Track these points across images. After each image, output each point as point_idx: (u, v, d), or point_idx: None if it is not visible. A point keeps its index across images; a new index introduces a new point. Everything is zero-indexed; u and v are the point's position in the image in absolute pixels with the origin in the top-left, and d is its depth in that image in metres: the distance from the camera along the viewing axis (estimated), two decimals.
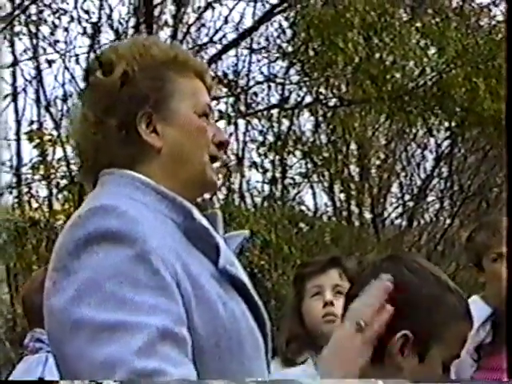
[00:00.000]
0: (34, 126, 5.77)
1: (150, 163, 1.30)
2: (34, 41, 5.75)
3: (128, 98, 1.29)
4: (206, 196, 1.40)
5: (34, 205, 5.75)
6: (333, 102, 6.72)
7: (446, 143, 7.44)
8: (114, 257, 1.15)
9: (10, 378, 2.50)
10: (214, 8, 6.18)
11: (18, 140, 5.78)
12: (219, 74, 6.29)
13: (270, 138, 6.76)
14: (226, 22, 6.12)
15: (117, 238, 1.16)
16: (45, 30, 5.72)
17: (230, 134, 6.57)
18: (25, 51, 5.76)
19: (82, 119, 1.32)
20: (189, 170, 1.31)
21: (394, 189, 7.66)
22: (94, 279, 1.14)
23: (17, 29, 5.68)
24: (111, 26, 5.84)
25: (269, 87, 6.58)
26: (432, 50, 6.28)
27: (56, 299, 1.17)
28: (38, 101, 5.85)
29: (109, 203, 1.20)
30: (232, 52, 6.35)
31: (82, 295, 1.14)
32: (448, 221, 7.42)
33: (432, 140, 7.45)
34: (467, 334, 1.38)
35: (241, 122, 6.73)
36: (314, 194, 7.15)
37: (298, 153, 6.96)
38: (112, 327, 1.11)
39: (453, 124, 6.92)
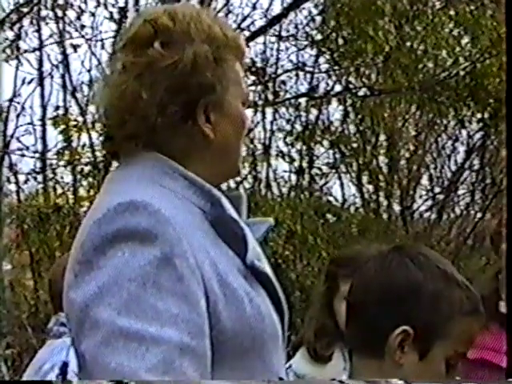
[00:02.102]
0: (60, 112, 5.75)
1: (200, 153, 1.27)
2: (61, 25, 5.71)
3: (196, 85, 1.23)
4: (232, 184, 1.39)
5: (59, 191, 5.74)
6: (362, 91, 6.60)
7: (478, 135, 7.28)
8: (140, 258, 1.12)
9: (33, 362, 2.51)
10: None
11: (44, 125, 5.74)
12: (247, 61, 6.22)
13: (298, 127, 6.67)
14: (254, 8, 6.03)
15: (145, 238, 1.13)
16: (71, 14, 5.67)
17: (257, 123, 6.53)
18: (51, 36, 5.72)
19: (131, 95, 1.23)
20: (230, 159, 1.31)
21: (424, 181, 7.52)
22: (118, 279, 1.11)
23: (43, 13, 5.65)
24: (138, 11, 5.79)
25: (297, 76, 6.49)
26: (465, 39, 6.16)
27: (76, 293, 1.15)
28: (64, 86, 5.81)
29: (140, 199, 1.15)
30: (260, 39, 6.28)
31: (104, 294, 1.11)
32: (479, 215, 7.29)
33: (464, 131, 7.30)
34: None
35: (268, 111, 6.65)
36: (341, 184, 7.05)
37: (325, 143, 6.86)
38: (129, 335, 1.09)
39: (485, 115, 6.79)
